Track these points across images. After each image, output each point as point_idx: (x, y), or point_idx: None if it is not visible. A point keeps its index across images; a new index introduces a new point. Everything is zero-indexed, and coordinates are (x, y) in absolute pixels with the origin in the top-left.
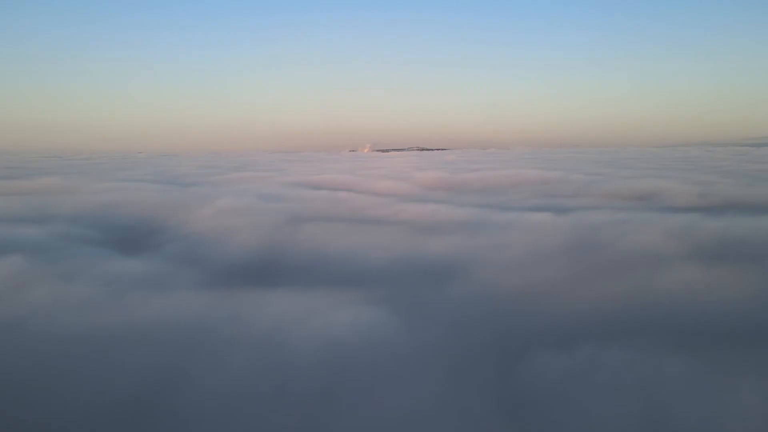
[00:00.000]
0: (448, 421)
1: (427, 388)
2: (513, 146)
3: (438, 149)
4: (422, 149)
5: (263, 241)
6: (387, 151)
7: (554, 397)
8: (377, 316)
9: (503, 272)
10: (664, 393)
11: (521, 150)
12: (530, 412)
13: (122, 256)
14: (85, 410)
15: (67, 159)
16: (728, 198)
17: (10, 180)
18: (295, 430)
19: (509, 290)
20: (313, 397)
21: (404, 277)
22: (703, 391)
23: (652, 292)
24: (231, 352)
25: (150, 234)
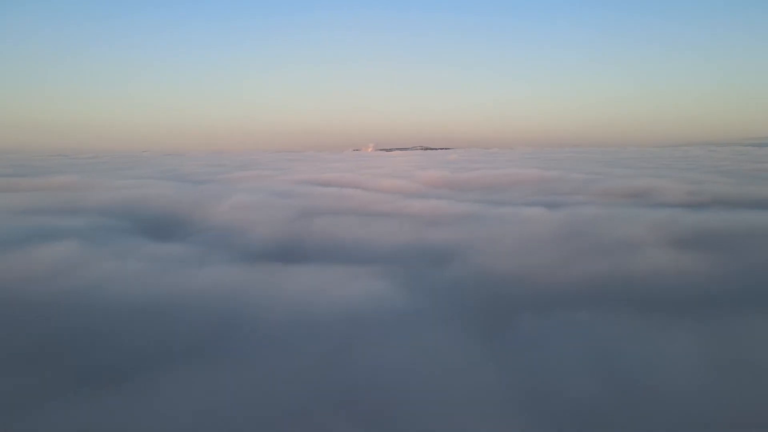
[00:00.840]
0: (445, 365)
1: (427, 341)
2: (516, 146)
3: (441, 149)
4: (425, 148)
5: (281, 229)
6: (390, 150)
7: (535, 347)
8: (386, 286)
9: (496, 255)
10: (620, 344)
11: (524, 150)
12: (514, 358)
13: (158, 242)
14: (146, 361)
15: (72, 158)
16: (717, 195)
17: (26, 178)
18: (319, 371)
19: (500, 269)
20: (335, 346)
21: (408, 259)
22: (650, 342)
23: (622, 271)
24: (266, 312)
25: (177, 225)
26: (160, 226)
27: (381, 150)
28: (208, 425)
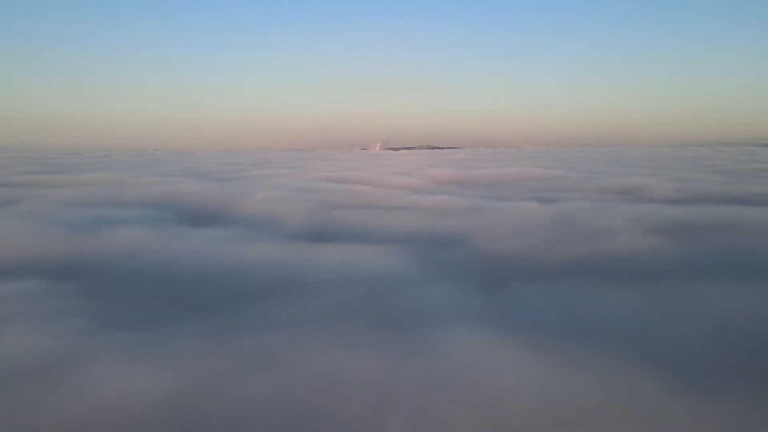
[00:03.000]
0: (445, 305)
1: (433, 293)
2: (523, 145)
3: (448, 148)
4: (433, 148)
5: (307, 218)
6: (398, 149)
7: (516, 301)
8: (401, 260)
9: (491, 240)
10: (592, 306)
11: (531, 149)
12: (505, 315)
13: (203, 228)
14: (233, 301)
15: (87, 156)
16: (703, 192)
17: (59, 175)
18: (352, 313)
19: (495, 250)
20: (365, 293)
21: (418, 242)
22: (606, 300)
23: (595, 253)
24: (310, 271)
25: (214, 216)
26: (200, 217)
27: (388, 149)
28: (282, 335)
